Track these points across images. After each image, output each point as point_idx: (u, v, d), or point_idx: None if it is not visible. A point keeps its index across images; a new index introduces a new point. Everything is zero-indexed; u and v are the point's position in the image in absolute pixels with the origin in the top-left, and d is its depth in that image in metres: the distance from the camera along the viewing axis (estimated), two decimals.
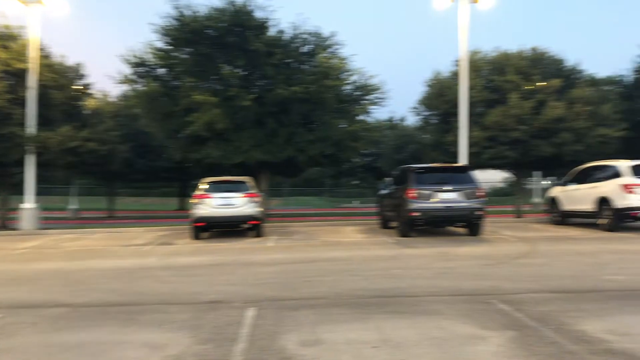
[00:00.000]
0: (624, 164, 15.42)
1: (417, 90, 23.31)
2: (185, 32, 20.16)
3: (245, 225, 16.08)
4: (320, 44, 21.54)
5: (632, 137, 23.01)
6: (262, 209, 16.49)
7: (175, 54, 21.14)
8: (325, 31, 21.74)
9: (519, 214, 22.86)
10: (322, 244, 14.19)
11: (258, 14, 20.51)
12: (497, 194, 51.45)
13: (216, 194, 15.75)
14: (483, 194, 15.01)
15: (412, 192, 14.45)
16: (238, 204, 15.63)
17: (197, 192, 16.20)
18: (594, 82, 23.79)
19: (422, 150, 26.40)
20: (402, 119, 45.05)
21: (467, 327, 5.77)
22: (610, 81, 24.96)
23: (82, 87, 23.56)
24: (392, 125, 43.40)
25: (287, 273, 9.57)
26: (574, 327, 5.65)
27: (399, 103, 44.94)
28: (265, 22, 20.66)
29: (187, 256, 12.45)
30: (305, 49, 21.62)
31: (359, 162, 43.35)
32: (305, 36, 21.50)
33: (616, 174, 15.40)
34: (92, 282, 9.21)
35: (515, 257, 10.87)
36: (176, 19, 20.32)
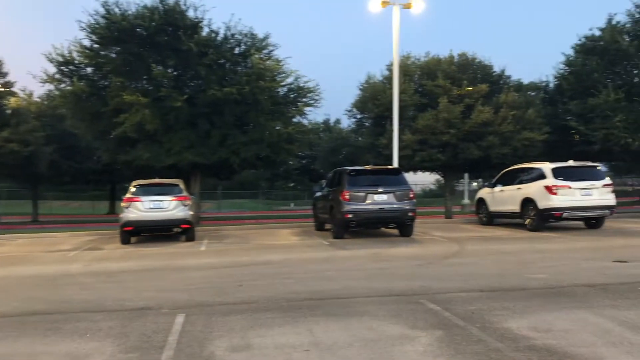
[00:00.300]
0: (547, 166, 16.11)
1: (353, 93, 23.74)
2: (113, 31, 19.52)
3: (177, 229, 15.72)
4: (255, 45, 21.37)
5: (555, 140, 24.11)
6: (193, 212, 16.17)
7: (104, 52, 20.45)
8: (260, 32, 21.63)
9: (449, 215, 23.47)
10: (256, 247, 14.06)
11: (190, 14, 20.14)
12: (429, 196, 52.76)
13: (146, 197, 15.32)
14: (414, 195, 15.32)
15: (346, 194, 14.55)
16: (168, 207, 15.25)
17: (126, 196, 15.71)
18: (519, 87, 24.77)
19: (356, 152, 26.68)
20: (337, 122, 45.47)
21: (397, 327, 5.83)
22: (535, 87, 26.03)
23: (1, 86, 22.40)
24: (327, 128, 43.70)
25: (219, 277, 9.40)
26: (500, 325, 5.81)
27: (335, 106, 45.37)
28: (198, 21, 20.30)
29: (115, 262, 12.03)
30: (239, 49, 21.41)
31: (295, 164, 43.43)
32: (239, 37, 21.30)
33: (540, 176, 16.07)
34: (10, 290, 8.73)
35: (444, 257, 11.13)
36: (104, 17, 19.64)
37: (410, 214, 14.90)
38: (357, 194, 14.62)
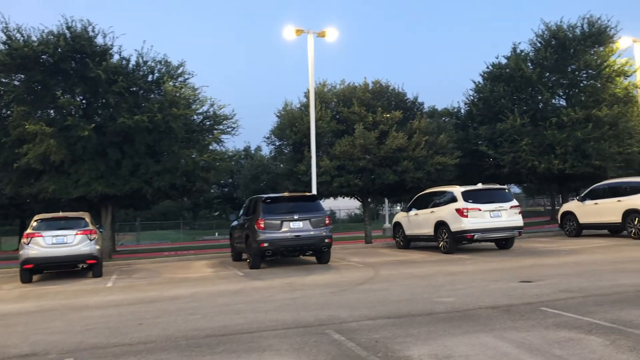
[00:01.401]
0: (457, 190, 16.54)
1: (273, 119, 23.68)
2: (15, 58, 18.48)
3: (82, 265, 14.87)
4: (169, 72, 20.95)
5: (468, 163, 24.99)
6: (100, 247, 15.37)
7: (5, 80, 19.36)
8: (175, 60, 21.25)
9: (369, 240, 23.64)
10: (166, 281, 13.49)
11: (99, 40, 19.46)
12: (355, 220, 53.23)
13: (48, 232, 14.43)
14: (330, 222, 15.27)
15: (261, 223, 14.30)
16: (73, 242, 14.42)
17: (27, 231, 14.75)
18: (432, 114, 25.58)
19: (276, 179, 26.50)
20: (258, 149, 45.22)
21: None
22: (447, 113, 26.99)
23: None
24: (248, 155, 43.36)
25: (120, 316, 8.85)
26: (402, 354, 5.71)
27: (256, 133, 45.23)
28: (107, 48, 19.63)
29: (9, 303, 11.16)
30: (152, 77, 20.90)
31: (216, 192, 42.70)
32: (152, 64, 20.82)
33: (451, 199, 16.47)
34: None
35: (358, 284, 11.06)
36: (4, 44, 18.64)
37: (326, 240, 14.81)
38: (273, 222, 14.40)
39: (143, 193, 20.48)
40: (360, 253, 18.52)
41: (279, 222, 14.45)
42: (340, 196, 24.66)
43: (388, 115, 22.49)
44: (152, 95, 20.90)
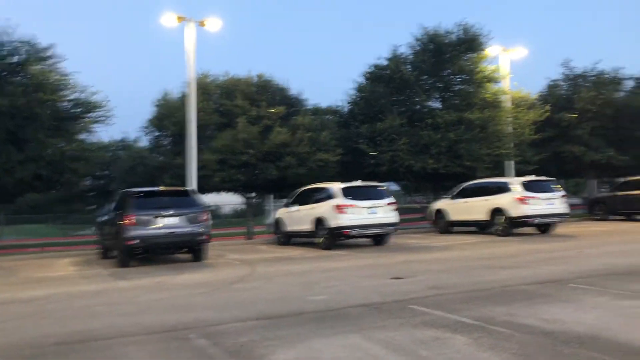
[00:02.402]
0: (336, 186, 16.66)
1: (151, 110, 22.59)
2: None
3: None
4: (36, 54, 19.29)
5: (349, 161, 25.38)
6: None
7: None
8: (44, 42, 19.63)
9: (249, 235, 23.30)
10: (22, 281, 12.31)
11: None
12: (238, 216, 52.45)
13: None
14: (207, 218, 14.75)
15: (130, 218, 13.48)
16: None
17: None
18: (316, 111, 25.68)
19: (154, 172, 25.33)
20: (135, 140, 43.10)
21: None
22: (330, 111, 27.20)
23: None
24: (125, 146, 41.20)
25: None
26: (267, 358, 5.46)
27: (135, 123, 43.10)
28: None
29: None
30: (16, 58, 19.15)
31: (90, 185, 40.13)
32: (17, 44, 19.07)
33: (330, 196, 16.55)
34: None
35: (232, 282, 10.70)
36: None
37: (203, 237, 14.27)
38: (144, 218, 13.62)
39: (2, 184, 18.69)
40: (240, 249, 18.14)
41: (151, 217, 13.70)
42: (223, 191, 24.09)
43: (273, 110, 22.27)
44: (17, 78, 19.18)
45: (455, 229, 21.55)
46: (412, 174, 25.40)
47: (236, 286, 10.27)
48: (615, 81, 31.03)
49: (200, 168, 20.45)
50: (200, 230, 14.20)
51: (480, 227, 20.58)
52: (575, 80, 31.45)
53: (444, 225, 21.23)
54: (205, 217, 14.56)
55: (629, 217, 24.52)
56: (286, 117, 22.72)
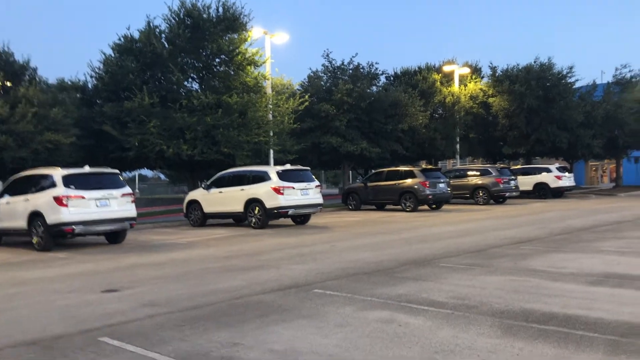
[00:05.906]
0: (58, 173, 13.44)
1: None
2: None
3: None
4: None
5: (92, 144, 21.98)
6: None
7: None
8: None
9: None
10: None
11: None
12: None
13: None
14: None
15: None
16: None
17: None
18: (49, 85, 21.66)
19: None
20: None
21: None
22: (70, 86, 23.23)
23: None
24: None
25: None
26: None
27: None
28: None
29: None
30: None
31: None
32: None
33: (50, 185, 13.33)
34: None
35: None
36: None
37: None
38: None
39: None
40: None
41: None
42: None
43: None
44: None
45: (212, 221, 19.73)
46: (164, 161, 22.92)
47: None
48: (370, 76, 32.31)
49: None
50: None
51: (236, 219, 19.08)
52: (335, 73, 32.02)
53: (198, 218, 19.23)
54: None
55: (379, 207, 25.29)
56: (6, 89, 18.51)
